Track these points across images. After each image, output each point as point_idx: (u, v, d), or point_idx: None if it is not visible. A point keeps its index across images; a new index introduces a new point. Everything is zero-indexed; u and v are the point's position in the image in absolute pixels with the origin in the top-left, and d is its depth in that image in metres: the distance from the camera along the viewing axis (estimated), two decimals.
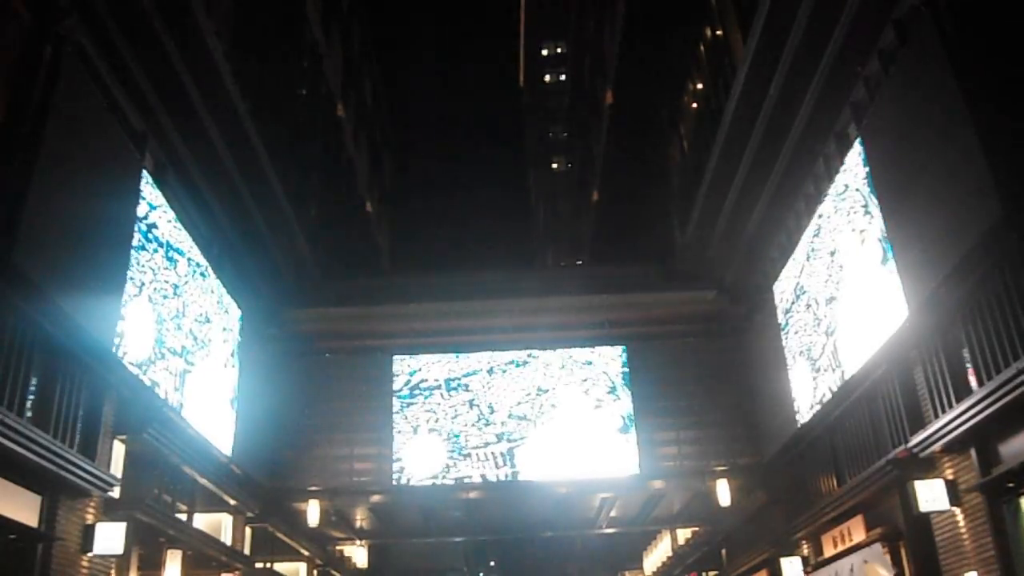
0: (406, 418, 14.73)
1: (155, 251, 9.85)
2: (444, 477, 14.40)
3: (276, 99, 15.00)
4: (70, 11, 7.81)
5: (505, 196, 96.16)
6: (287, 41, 16.22)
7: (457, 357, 15.16)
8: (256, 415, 13.02)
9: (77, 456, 7.66)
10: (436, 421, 14.76)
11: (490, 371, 15.16)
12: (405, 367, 15.07)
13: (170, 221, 10.39)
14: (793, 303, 11.96)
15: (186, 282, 10.85)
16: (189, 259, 10.97)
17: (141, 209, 9.46)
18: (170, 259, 10.37)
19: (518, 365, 15.22)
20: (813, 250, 11.01)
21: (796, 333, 11.92)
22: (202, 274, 11.50)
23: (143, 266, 9.49)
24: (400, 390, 14.89)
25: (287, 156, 15.26)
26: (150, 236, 9.76)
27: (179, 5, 9.41)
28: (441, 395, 14.97)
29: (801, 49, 9.75)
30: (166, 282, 10.19)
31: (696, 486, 14.45)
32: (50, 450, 7.10)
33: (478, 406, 14.92)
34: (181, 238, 10.75)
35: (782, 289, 12.38)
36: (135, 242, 9.28)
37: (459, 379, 15.07)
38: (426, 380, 15.03)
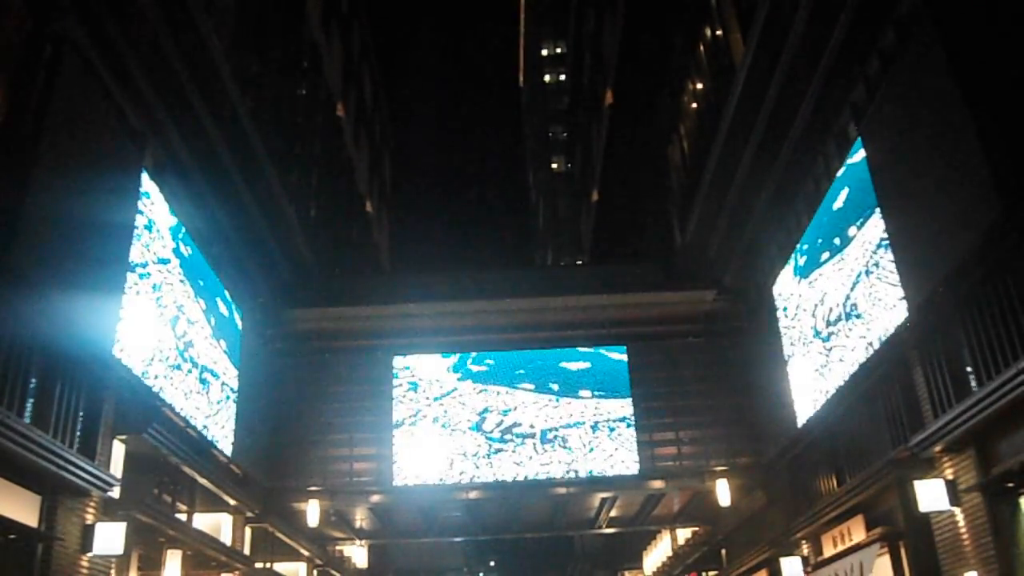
0: (491, 465, 13.61)
1: (188, 372, 9.93)
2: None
3: (276, 99, 15.00)
4: (69, 10, 7.81)
5: (505, 196, 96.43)
6: (287, 41, 16.21)
7: (557, 400, 13.68)
8: (256, 415, 13.02)
9: (77, 456, 7.64)
10: (525, 479, 13.46)
11: (594, 427, 13.43)
12: (500, 403, 13.79)
13: (207, 338, 10.40)
14: (840, 319, 9.95)
15: (218, 411, 10.92)
16: (223, 383, 10.96)
17: (180, 327, 9.55)
18: (203, 381, 10.37)
19: (630, 425, 13.45)
20: (877, 266, 8.87)
21: (841, 361, 10.04)
22: (235, 401, 11.50)
23: (175, 387, 9.58)
24: (491, 432, 13.80)
25: (287, 156, 15.26)
26: (186, 355, 9.86)
27: (179, 4, 9.39)
28: (535, 447, 13.38)
29: (801, 49, 9.74)
30: (196, 408, 10.26)
31: (696, 486, 14.44)
32: (50, 450, 7.09)
33: (576, 472, 13.28)
34: (216, 356, 10.69)
35: (823, 290, 10.45)
36: (171, 362, 9.32)
37: (557, 430, 13.43)
38: (520, 424, 13.64)
